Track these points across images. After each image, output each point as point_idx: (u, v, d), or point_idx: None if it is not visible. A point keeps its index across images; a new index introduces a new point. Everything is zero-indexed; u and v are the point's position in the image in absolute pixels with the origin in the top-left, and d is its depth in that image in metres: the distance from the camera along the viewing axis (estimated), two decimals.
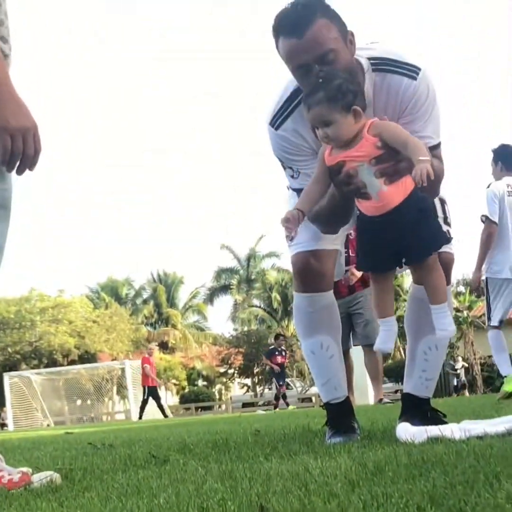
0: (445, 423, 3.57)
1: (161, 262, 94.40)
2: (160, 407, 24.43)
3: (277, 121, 3.53)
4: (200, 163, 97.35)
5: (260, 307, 55.00)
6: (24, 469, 3.16)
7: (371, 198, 3.22)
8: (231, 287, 55.58)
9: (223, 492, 2.16)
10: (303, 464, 2.64)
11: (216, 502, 2.00)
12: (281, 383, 21.84)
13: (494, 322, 8.20)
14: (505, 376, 8.24)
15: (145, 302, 57.62)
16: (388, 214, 3.22)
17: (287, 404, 21.47)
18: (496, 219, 7.93)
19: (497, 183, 8.10)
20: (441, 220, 3.56)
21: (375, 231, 3.27)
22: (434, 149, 3.39)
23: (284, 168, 3.68)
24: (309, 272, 3.78)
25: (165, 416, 23.72)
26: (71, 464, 3.64)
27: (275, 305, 52.06)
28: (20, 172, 2.77)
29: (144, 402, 24.04)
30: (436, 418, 3.81)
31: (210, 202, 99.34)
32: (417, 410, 3.81)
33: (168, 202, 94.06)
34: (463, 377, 29.38)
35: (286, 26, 3.23)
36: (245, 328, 51.64)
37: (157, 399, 24.39)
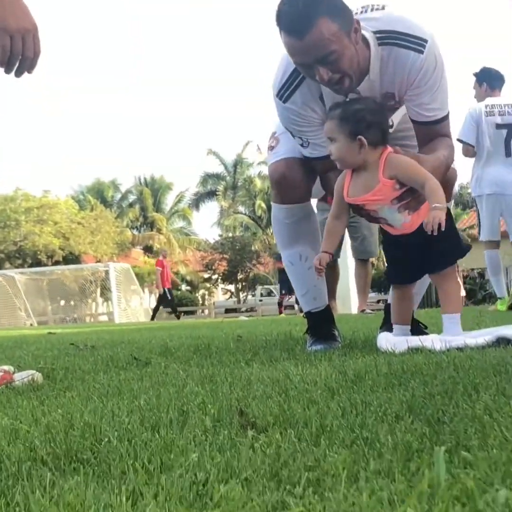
0: (426, 334, 3.60)
1: (149, 167, 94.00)
2: (173, 308, 24.76)
3: (284, 94, 3.46)
4: (189, 65, 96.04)
5: (245, 214, 55.00)
6: (6, 367, 3.18)
7: (394, 227, 3.37)
8: (217, 193, 55.41)
9: (204, 395, 2.18)
10: (284, 370, 2.66)
11: (196, 405, 2.01)
12: (283, 291, 21.91)
13: (483, 237, 8.33)
14: (500, 298, 8.50)
15: (130, 205, 57.40)
16: (411, 233, 3.35)
17: (280, 312, 21.63)
18: (470, 141, 8.07)
19: (476, 105, 8.20)
20: None
21: (399, 249, 3.34)
22: (443, 121, 3.39)
23: (293, 137, 3.65)
24: (285, 182, 3.75)
25: (178, 317, 24.03)
26: (53, 363, 3.65)
27: (260, 212, 52.06)
28: (18, 74, 2.71)
29: (171, 302, 24.36)
30: (418, 329, 3.84)
31: (198, 106, 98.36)
32: None
33: (156, 105, 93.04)
34: None
35: (287, 24, 3.12)
36: (230, 235, 51.73)
37: (162, 301, 24.63)
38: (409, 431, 1.49)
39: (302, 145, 3.58)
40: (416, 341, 3.22)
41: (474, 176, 8.33)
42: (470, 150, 8.15)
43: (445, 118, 3.40)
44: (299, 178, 3.71)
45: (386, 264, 3.69)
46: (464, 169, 8.23)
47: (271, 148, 3.86)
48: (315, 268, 3.38)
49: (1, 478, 1.36)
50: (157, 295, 24.68)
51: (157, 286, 24.28)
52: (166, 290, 23.95)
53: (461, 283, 20.34)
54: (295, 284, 4.06)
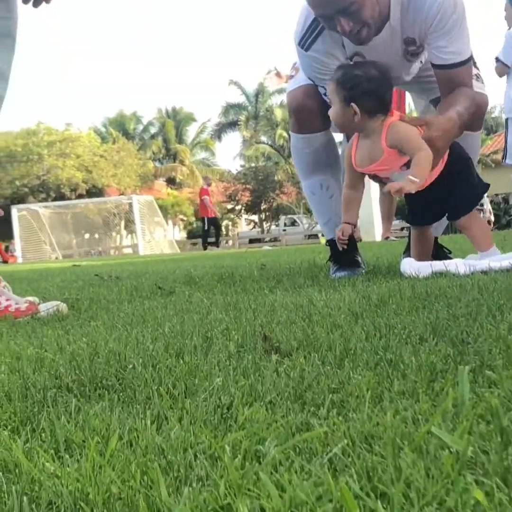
0: (450, 259, 3.58)
1: (171, 99, 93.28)
2: (217, 237, 24.72)
3: (306, 42, 3.41)
4: None
5: (267, 144, 54.61)
6: (31, 298, 3.20)
7: None
8: (239, 123, 54.98)
9: (228, 322, 2.18)
10: (308, 296, 2.66)
11: (220, 331, 2.01)
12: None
13: (510, 160, 8.22)
14: None
15: (153, 137, 57.12)
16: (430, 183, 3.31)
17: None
18: (508, 62, 7.94)
19: None
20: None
21: (418, 193, 3.27)
22: (460, 66, 3.31)
23: (316, 86, 3.59)
24: (303, 110, 3.70)
25: (205, 248, 24.02)
26: (77, 294, 3.68)
27: (281, 142, 51.68)
28: (36, 4, 2.67)
29: (206, 233, 24.32)
30: (442, 254, 3.82)
31: (219, 35, 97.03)
32: None
33: (178, 36, 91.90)
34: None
35: None
36: (253, 165, 51.46)
37: (217, 228, 24.63)
38: (433, 352, 1.48)
39: (325, 94, 3.52)
40: (440, 265, 3.20)
41: (507, 97, 8.18)
42: (504, 70, 8.01)
43: (463, 63, 3.32)
44: (318, 106, 3.65)
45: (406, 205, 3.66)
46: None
47: (291, 77, 3.82)
48: (338, 239, 3.40)
49: (27, 405, 1.37)
50: (205, 224, 24.55)
51: (204, 214, 24.13)
52: (207, 219, 23.90)
53: (489, 207, 20.23)
54: (316, 213, 4.04)
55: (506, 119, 8.39)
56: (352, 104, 3.15)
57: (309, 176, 3.91)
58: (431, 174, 3.22)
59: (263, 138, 55.38)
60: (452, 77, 3.30)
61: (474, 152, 3.60)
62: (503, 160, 8.37)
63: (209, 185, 24.67)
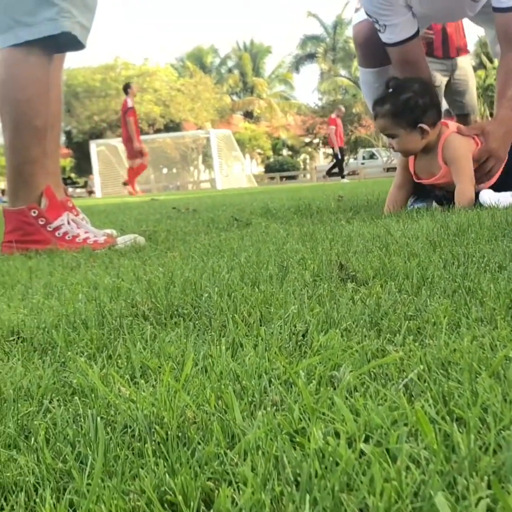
0: None
1: (248, 32, 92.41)
2: (341, 167, 24.62)
3: None
4: None
5: (345, 77, 53.87)
6: (109, 231, 3.24)
7: None
8: (317, 55, 54.30)
9: (304, 252, 2.17)
10: (385, 226, 2.63)
11: (296, 261, 2.00)
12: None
13: None
14: None
15: (230, 71, 56.90)
16: None
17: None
18: None
19: None
20: None
21: None
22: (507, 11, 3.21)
23: (373, 21, 3.50)
24: (370, 43, 3.62)
25: (343, 176, 23.92)
26: (155, 226, 3.70)
27: (358, 74, 51.01)
28: None
29: (340, 161, 24.20)
30: None
31: None
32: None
33: None
34: None
35: None
36: (331, 98, 50.88)
37: (340, 160, 24.56)
38: None
39: (379, 30, 3.43)
40: None
41: None
42: None
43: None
44: None
45: None
46: None
47: (356, 10, 3.74)
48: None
49: (104, 333, 1.39)
50: (333, 154, 24.43)
51: (332, 145, 23.91)
52: (339, 148, 23.72)
53: None
54: None
55: None
56: (421, 125, 3.15)
57: None
58: (493, 176, 3.25)
59: (341, 71, 54.67)
60: (510, 24, 3.21)
61: None
62: None
63: (338, 115, 24.36)
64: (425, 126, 3.12)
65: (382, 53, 3.60)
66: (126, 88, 18.18)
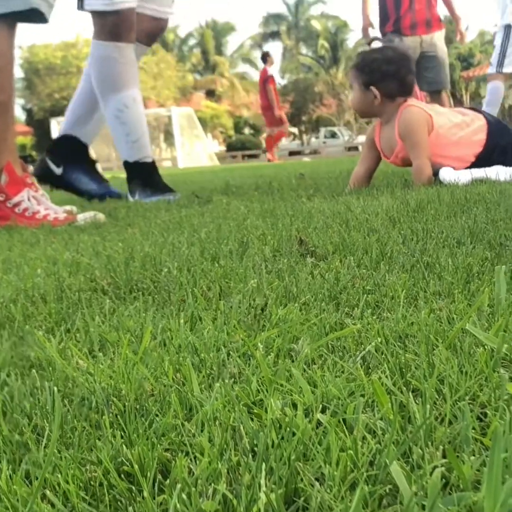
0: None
1: (211, 10, 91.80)
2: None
3: None
4: None
5: (308, 55, 53.81)
6: (69, 207, 3.22)
7: None
8: (280, 33, 54.16)
9: (264, 228, 2.17)
10: (345, 203, 2.63)
11: (256, 236, 2.00)
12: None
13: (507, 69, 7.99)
14: None
15: (192, 49, 56.52)
16: None
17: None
18: None
19: None
20: None
21: None
22: None
23: None
24: (131, 16, 3.60)
25: None
26: (116, 202, 3.68)
27: (322, 52, 50.92)
28: None
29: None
30: None
31: None
32: None
33: None
34: None
35: None
36: (293, 77, 50.81)
37: None
38: (471, 255, 1.46)
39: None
40: (480, 172, 3.15)
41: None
42: None
43: None
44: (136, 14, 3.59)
45: None
46: None
47: None
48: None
49: (62, 307, 1.38)
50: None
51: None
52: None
53: None
54: (128, 130, 3.85)
55: (506, 26, 8.07)
56: (372, 87, 3.17)
57: (123, 89, 3.75)
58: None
59: (304, 50, 54.60)
60: None
61: None
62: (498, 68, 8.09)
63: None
64: (374, 90, 3.16)
65: (134, 29, 3.66)
66: (265, 56, 17.82)
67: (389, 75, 3.16)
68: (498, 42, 8.15)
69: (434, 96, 9.06)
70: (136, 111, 3.78)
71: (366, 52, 3.29)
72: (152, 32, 3.92)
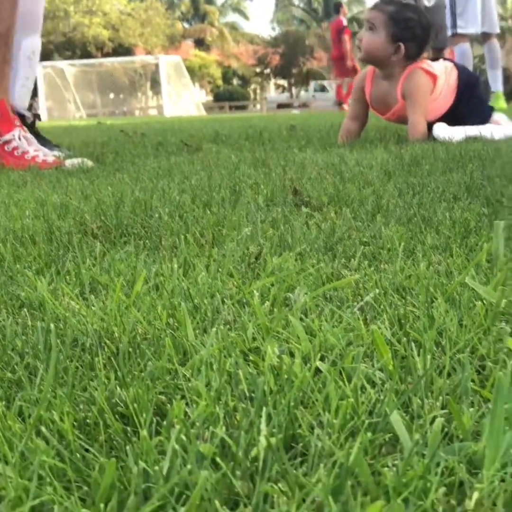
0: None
1: None
2: None
3: None
4: None
5: (300, 6, 53.27)
6: (57, 153, 3.18)
7: None
8: None
9: (256, 177, 2.15)
10: (339, 155, 2.61)
11: (249, 185, 1.98)
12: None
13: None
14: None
15: None
16: None
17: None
18: None
19: None
20: None
21: None
22: None
23: None
24: None
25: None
26: (102, 149, 3.64)
27: (315, 4, 50.45)
28: None
29: None
30: None
31: None
32: None
33: None
34: None
35: None
36: (284, 29, 50.35)
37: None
38: (467, 210, 1.45)
39: None
40: (474, 130, 3.13)
41: None
42: None
43: None
44: None
45: None
46: None
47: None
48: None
49: (52, 248, 1.35)
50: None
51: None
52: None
53: None
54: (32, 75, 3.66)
55: None
56: (401, 44, 3.14)
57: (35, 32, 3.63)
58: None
59: (296, 1, 54.02)
60: None
61: None
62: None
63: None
64: (402, 46, 3.13)
65: None
66: (338, 6, 17.66)
67: (418, 40, 3.18)
68: (447, 2, 7.92)
69: (435, 54, 8.98)
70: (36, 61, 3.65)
71: (402, 4, 3.23)
72: None
